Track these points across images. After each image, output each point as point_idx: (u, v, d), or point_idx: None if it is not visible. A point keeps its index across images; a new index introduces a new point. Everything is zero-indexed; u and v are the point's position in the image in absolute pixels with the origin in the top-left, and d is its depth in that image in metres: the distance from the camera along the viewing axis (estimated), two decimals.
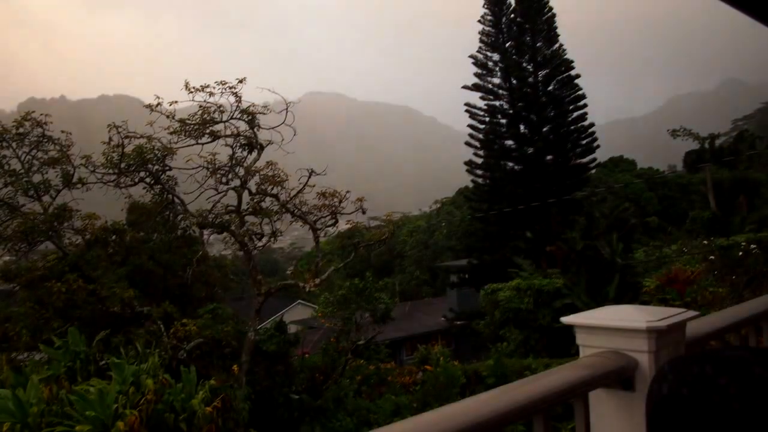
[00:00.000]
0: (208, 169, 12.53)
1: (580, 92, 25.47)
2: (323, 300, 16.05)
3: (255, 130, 12.77)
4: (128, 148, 12.37)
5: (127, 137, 12.39)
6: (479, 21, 26.88)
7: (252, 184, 12.49)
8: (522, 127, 26.13)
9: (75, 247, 13.45)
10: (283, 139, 13.05)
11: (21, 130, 12.38)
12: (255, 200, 13.02)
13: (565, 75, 25.42)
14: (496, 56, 26.64)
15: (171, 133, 12.73)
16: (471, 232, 28.79)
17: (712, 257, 16.56)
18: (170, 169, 13.33)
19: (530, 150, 24.97)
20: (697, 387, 0.87)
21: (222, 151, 13.20)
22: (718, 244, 18.43)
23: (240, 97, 12.29)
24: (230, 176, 12.47)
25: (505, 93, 26.51)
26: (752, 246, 16.41)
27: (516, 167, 25.73)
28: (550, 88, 25.57)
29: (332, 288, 20.45)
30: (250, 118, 12.56)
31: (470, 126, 26.73)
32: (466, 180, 29.50)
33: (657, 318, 1.69)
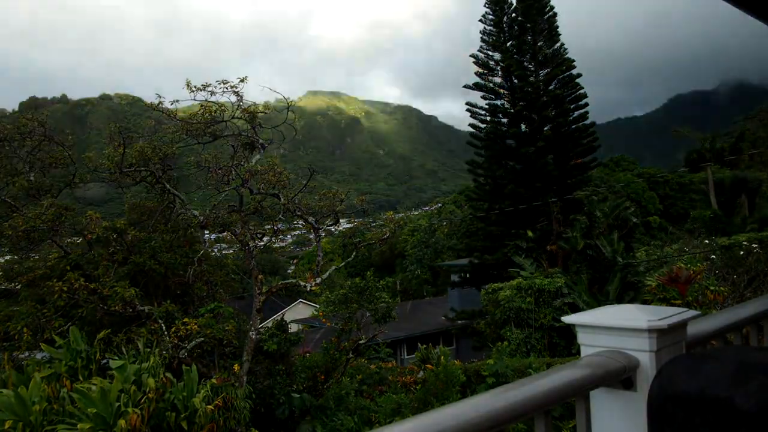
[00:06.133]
0: (209, 168, 12.55)
1: (581, 91, 25.46)
2: (324, 299, 16.06)
3: (256, 129, 12.79)
4: (129, 148, 12.40)
5: (128, 137, 12.42)
6: (480, 20, 26.90)
7: (253, 184, 12.51)
8: (523, 127, 26.12)
9: (76, 246, 13.48)
10: (284, 139, 13.07)
11: (22, 129, 12.39)
12: (256, 200, 13.04)
13: (566, 74, 25.41)
14: (497, 56, 26.63)
15: (172, 133, 12.76)
16: (472, 232, 28.80)
17: (713, 256, 16.56)
18: (171, 168, 13.36)
19: (531, 149, 24.94)
20: (698, 386, 0.87)
21: (223, 151, 13.23)
22: (719, 243, 18.43)
23: (241, 97, 12.31)
24: (231, 176, 12.49)
25: (506, 92, 26.50)
26: (754, 245, 16.41)
27: (517, 167, 25.72)
28: (552, 87, 25.56)
29: (333, 287, 20.47)
30: (251, 117, 12.58)
31: (471, 125, 26.75)
32: (467, 179, 29.48)
33: (658, 317, 1.69)
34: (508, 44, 26.47)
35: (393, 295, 34.33)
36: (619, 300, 17.26)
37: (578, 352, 1.84)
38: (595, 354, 1.71)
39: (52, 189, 13.14)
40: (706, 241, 19.94)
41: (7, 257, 14.63)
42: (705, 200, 36.89)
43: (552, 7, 25.78)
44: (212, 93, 12.04)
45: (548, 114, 25.19)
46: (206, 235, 15.36)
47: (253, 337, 11.49)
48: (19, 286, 13.41)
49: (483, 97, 26.83)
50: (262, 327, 12.55)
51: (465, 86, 26.80)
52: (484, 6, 26.74)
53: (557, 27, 25.87)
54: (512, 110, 26.05)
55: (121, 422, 7.25)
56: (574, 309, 17.78)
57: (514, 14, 26.42)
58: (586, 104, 25.53)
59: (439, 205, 55.35)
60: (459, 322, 26.01)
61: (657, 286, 12.54)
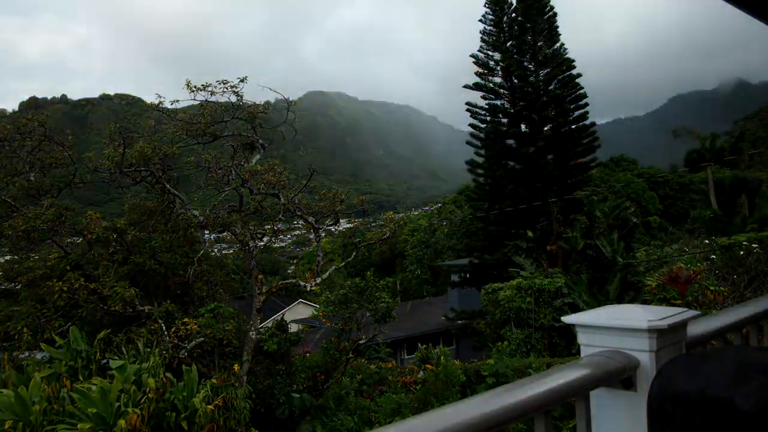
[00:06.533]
0: (209, 168, 12.55)
1: (581, 91, 25.45)
2: (324, 299, 16.06)
3: (256, 129, 12.79)
4: (129, 148, 12.40)
5: (128, 137, 12.42)
6: (480, 20, 26.89)
7: (253, 184, 12.51)
8: (523, 127, 26.12)
9: (76, 246, 13.48)
10: (284, 139, 13.08)
11: (22, 129, 12.39)
12: (256, 200, 13.04)
13: (566, 74, 25.40)
14: (497, 56, 26.62)
15: (172, 133, 12.77)
16: (472, 232, 28.78)
17: (713, 256, 16.54)
18: (171, 168, 13.36)
19: (531, 149, 24.94)
20: (698, 386, 0.87)
21: (223, 151, 13.23)
22: (719, 243, 18.41)
23: (241, 97, 12.31)
24: (231, 176, 12.49)
25: (506, 92, 26.49)
26: (754, 245, 16.40)
27: (517, 166, 25.71)
28: (551, 87, 25.55)
29: (333, 287, 20.47)
30: (251, 117, 12.57)
31: (471, 125, 26.74)
32: (467, 179, 29.49)
33: (658, 317, 1.69)
34: (508, 44, 26.47)
35: (393, 295, 34.33)
36: (619, 300, 17.26)
37: (578, 352, 1.84)
38: (595, 354, 1.71)
39: (52, 189, 13.14)
40: (706, 241, 19.92)
41: (7, 257, 14.63)
42: (705, 200, 36.87)
43: (552, 7, 25.77)
44: (212, 93, 12.04)
45: (548, 114, 25.18)
46: (206, 235, 15.37)
47: (253, 337, 11.49)
48: (19, 286, 13.42)
49: (483, 97, 26.83)
50: (262, 327, 12.55)
51: (465, 86, 26.79)
52: (484, 6, 26.74)
53: (557, 27, 25.86)
54: (512, 110, 26.04)
55: (121, 422, 7.25)
56: (574, 309, 17.78)
57: (514, 14, 26.42)
58: (586, 104, 25.53)
59: (439, 205, 55.27)
60: (459, 322, 25.99)
61: (657, 286, 12.53)
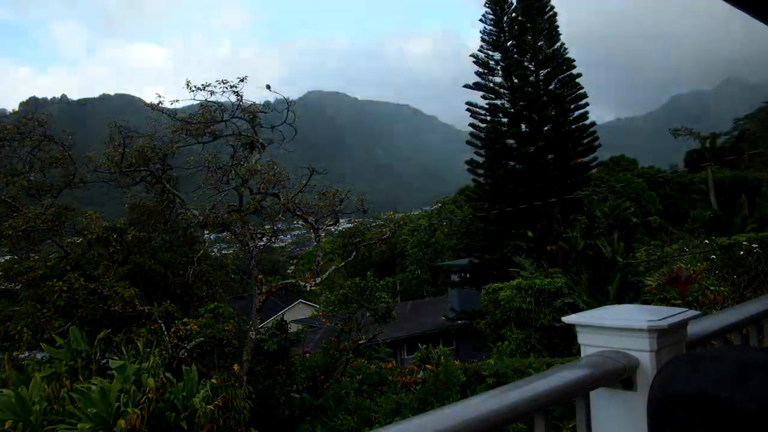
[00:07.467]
0: (209, 168, 12.56)
1: (581, 91, 25.46)
2: (324, 299, 16.07)
3: (256, 129, 12.79)
4: (129, 148, 12.40)
5: (128, 136, 12.42)
6: (480, 20, 26.91)
7: (253, 184, 12.50)
8: (523, 127, 26.12)
9: (76, 246, 13.48)
10: (284, 138, 13.08)
11: (22, 129, 12.39)
12: (256, 199, 13.03)
13: (566, 74, 25.41)
14: (497, 55, 26.64)
15: (172, 132, 12.77)
16: (472, 232, 28.78)
17: (713, 256, 16.54)
18: (171, 168, 13.37)
19: (531, 149, 24.94)
20: (698, 386, 0.87)
21: (223, 150, 13.23)
22: (719, 243, 18.41)
23: (241, 96, 12.31)
24: (231, 175, 12.49)
25: (506, 92, 26.50)
26: (754, 245, 16.40)
27: (517, 166, 25.73)
28: (552, 87, 25.56)
29: (333, 287, 20.50)
30: (251, 117, 12.58)
31: (471, 125, 26.73)
32: (467, 179, 29.51)
33: (658, 317, 1.69)
34: (509, 44, 26.47)
35: (393, 295, 34.30)
36: (619, 300, 17.26)
37: (578, 352, 1.83)
38: (595, 354, 1.71)
39: (52, 189, 13.14)
40: (706, 241, 19.92)
41: (7, 257, 14.63)
42: (705, 200, 36.87)
43: (552, 7, 25.79)
44: (212, 93, 12.05)
45: (548, 114, 25.19)
46: (206, 235, 15.37)
47: (253, 337, 11.49)
48: (19, 286, 13.41)
49: (483, 97, 26.83)
50: (262, 327, 12.55)
51: (465, 86, 26.80)
52: (485, 6, 26.75)
53: (557, 26, 25.88)
54: (512, 110, 26.04)
55: (121, 422, 7.25)
56: (574, 309, 17.77)
57: (514, 14, 26.42)
58: (587, 104, 25.55)
59: (439, 205, 55.24)
60: (459, 322, 25.99)
61: (657, 286, 12.54)
